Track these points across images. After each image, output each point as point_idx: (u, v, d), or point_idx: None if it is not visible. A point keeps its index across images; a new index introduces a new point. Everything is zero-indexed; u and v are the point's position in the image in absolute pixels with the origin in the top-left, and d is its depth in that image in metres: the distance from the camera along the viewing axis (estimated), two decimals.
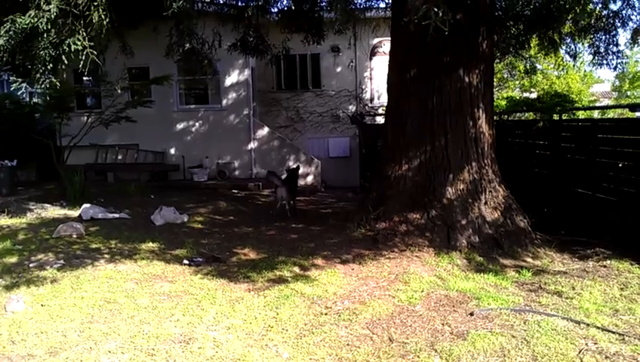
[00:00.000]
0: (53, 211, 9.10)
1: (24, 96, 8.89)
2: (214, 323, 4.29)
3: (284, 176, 9.53)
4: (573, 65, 17.54)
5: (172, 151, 14.17)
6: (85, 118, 11.00)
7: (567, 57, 10.53)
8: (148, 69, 13.41)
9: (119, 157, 13.93)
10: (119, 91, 10.50)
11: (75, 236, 7.15)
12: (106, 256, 6.28)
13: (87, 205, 8.68)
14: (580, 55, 10.07)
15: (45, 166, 12.48)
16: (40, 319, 4.40)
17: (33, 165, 13.74)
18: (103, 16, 5.37)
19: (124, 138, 13.32)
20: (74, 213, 8.82)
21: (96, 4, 5.15)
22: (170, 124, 14.04)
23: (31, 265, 5.92)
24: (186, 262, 6.02)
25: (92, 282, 5.32)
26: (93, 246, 6.75)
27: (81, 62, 5.50)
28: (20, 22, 5.42)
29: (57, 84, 5.76)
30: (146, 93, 12.71)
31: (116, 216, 8.57)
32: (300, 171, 10.71)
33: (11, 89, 7.30)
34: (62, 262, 6.00)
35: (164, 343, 3.91)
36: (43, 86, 5.69)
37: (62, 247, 6.64)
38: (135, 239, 7.05)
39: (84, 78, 13.32)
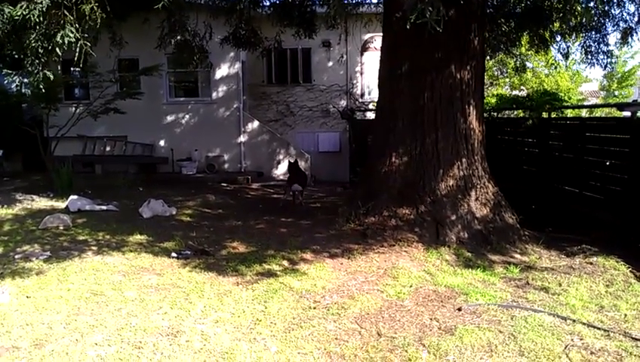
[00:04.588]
0: (39, 202, 9.01)
1: (10, 85, 8.75)
2: (202, 316, 4.27)
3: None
4: (566, 66, 17.67)
5: (161, 143, 14.08)
6: (73, 108, 10.89)
7: (558, 55, 10.61)
8: (137, 60, 13.30)
9: (107, 148, 13.82)
10: (108, 82, 10.39)
11: (61, 227, 7.09)
12: (93, 247, 6.23)
13: (75, 196, 8.61)
14: (571, 53, 10.15)
15: (32, 157, 12.34)
16: (25, 311, 4.35)
17: (19, 156, 13.60)
18: (95, 8, 5.30)
19: (112, 130, 13.20)
20: (61, 204, 8.74)
21: None
22: (159, 116, 13.94)
23: (16, 256, 5.86)
24: (174, 254, 5.98)
25: (79, 274, 5.26)
26: (81, 238, 6.69)
27: (76, 55, 5.41)
28: (9, 12, 5.33)
29: (51, 76, 5.64)
30: (135, 85, 12.61)
31: (104, 208, 8.50)
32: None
33: (5, 82, 7.15)
34: (48, 253, 5.94)
35: (152, 336, 3.88)
36: (37, 79, 5.57)
37: (48, 239, 6.58)
38: (123, 231, 6.99)
39: (72, 69, 13.18)
